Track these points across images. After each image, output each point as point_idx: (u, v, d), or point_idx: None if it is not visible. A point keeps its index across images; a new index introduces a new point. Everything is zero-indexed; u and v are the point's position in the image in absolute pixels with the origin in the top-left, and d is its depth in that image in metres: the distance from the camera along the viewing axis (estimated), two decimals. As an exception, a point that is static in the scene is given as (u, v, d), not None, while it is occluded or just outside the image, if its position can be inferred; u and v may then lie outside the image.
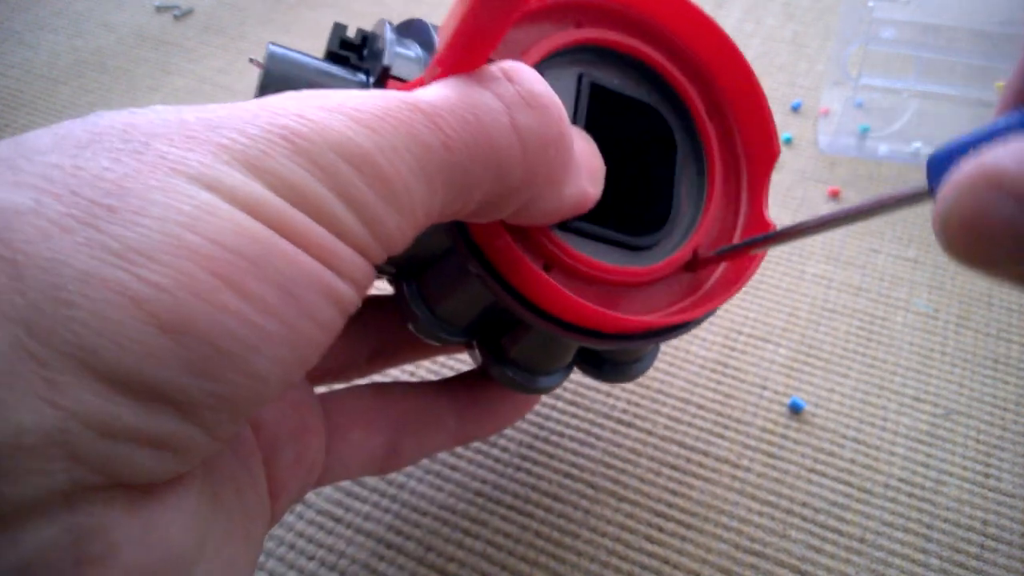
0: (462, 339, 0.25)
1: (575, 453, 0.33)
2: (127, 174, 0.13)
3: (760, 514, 0.31)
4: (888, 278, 0.41)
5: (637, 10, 0.24)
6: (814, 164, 0.48)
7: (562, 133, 0.18)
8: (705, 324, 0.38)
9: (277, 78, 0.20)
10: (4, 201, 0.12)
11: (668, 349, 0.37)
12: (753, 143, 0.26)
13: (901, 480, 0.32)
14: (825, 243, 0.43)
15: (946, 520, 0.31)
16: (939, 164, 0.14)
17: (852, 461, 0.32)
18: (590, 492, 0.31)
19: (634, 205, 0.24)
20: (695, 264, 0.24)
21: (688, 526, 0.30)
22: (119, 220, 0.13)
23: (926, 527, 0.30)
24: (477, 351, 0.26)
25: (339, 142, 0.14)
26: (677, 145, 0.24)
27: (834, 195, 0.46)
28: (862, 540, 0.30)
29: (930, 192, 0.14)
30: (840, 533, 0.30)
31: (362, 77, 0.22)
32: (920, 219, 0.44)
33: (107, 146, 0.14)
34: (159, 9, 0.64)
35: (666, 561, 0.29)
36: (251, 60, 0.22)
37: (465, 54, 0.17)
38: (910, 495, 0.31)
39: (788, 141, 0.50)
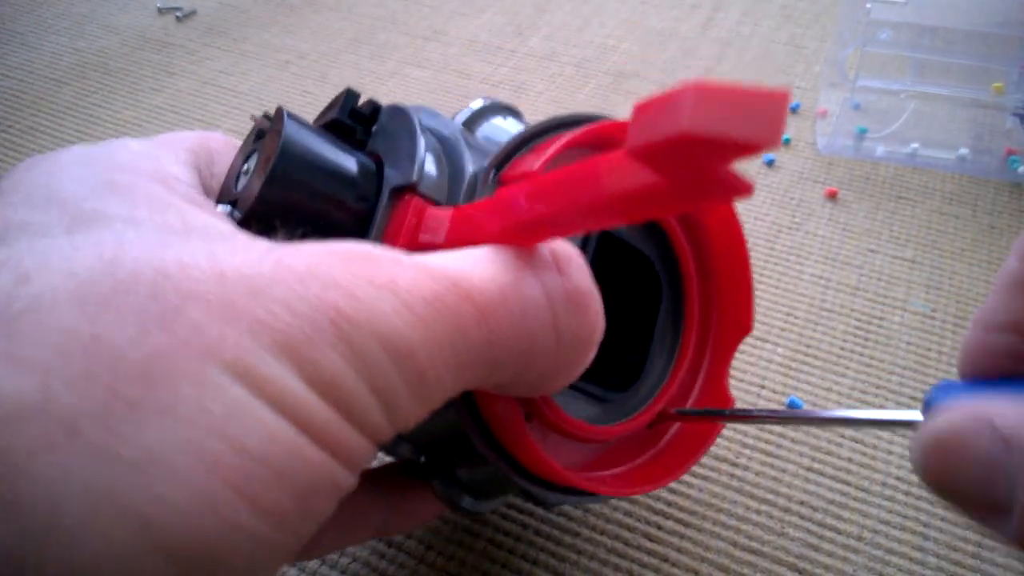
0: (413, 455, 0.25)
1: (575, 452, 0.33)
2: (156, 353, 0.11)
3: (758, 512, 0.31)
4: (885, 278, 0.41)
5: None
6: (811, 165, 0.49)
7: (596, 336, 0.17)
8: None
9: (292, 167, 0.19)
10: (5, 389, 0.11)
11: (667, 349, 0.37)
12: (730, 313, 0.26)
13: (898, 479, 0.32)
14: (823, 243, 0.43)
15: (943, 519, 0.31)
16: (936, 400, 0.15)
17: (849, 460, 0.33)
18: (589, 490, 0.32)
19: (611, 354, 0.23)
20: (657, 420, 0.25)
21: (687, 524, 0.30)
22: (140, 419, 0.11)
23: (923, 525, 0.31)
24: (420, 457, 0.26)
25: (386, 333, 0.13)
26: (662, 300, 0.25)
27: (831, 195, 0.46)
28: (859, 538, 0.30)
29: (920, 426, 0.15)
30: (838, 531, 0.30)
31: (368, 163, 0.21)
32: (918, 220, 0.45)
33: (134, 305, 0.12)
34: (161, 11, 0.64)
35: (665, 559, 0.29)
36: (252, 117, 0.21)
37: (529, 236, 0.16)
38: (907, 493, 0.32)
39: (786, 142, 0.50)
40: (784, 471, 0.32)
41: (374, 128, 0.22)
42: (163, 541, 0.11)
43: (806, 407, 0.35)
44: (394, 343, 0.13)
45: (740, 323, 0.26)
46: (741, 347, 0.37)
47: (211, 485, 0.11)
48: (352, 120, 0.22)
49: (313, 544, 0.24)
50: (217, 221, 0.16)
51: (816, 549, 0.30)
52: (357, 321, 0.13)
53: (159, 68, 0.58)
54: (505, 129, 0.26)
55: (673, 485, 0.32)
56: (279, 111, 0.20)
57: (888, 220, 0.45)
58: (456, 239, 0.18)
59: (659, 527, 0.30)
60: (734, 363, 0.37)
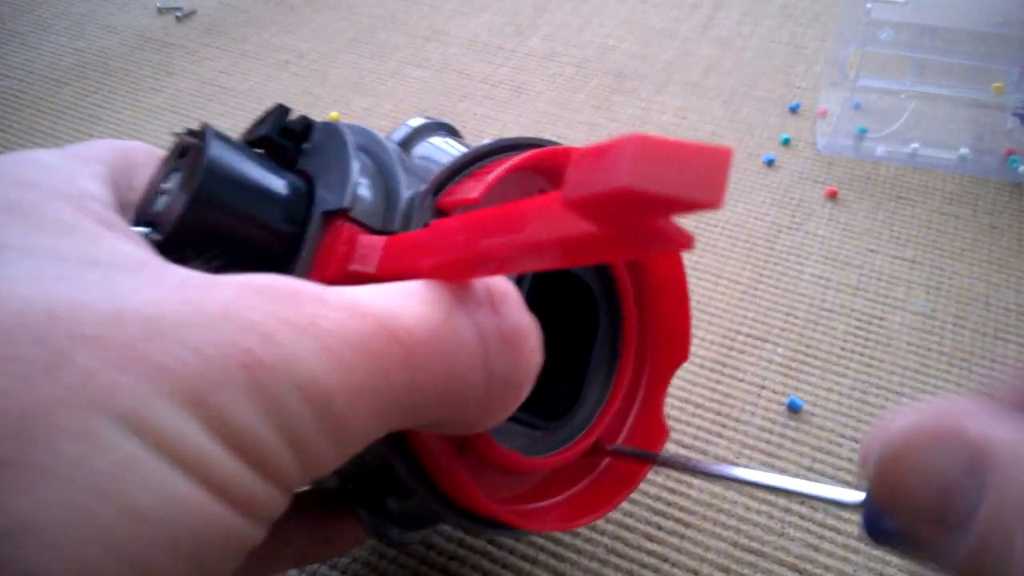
0: (340, 485, 0.24)
1: (575, 452, 0.33)
2: (36, 405, 0.10)
3: (758, 512, 0.31)
4: (886, 278, 0.41)
5: None
6: (812, 165, 0.48)
7: (531, 375, 0.16)
8: (704, 324, 0.38)
9: (216, 188, 0.18)
10: None
11: (667, 349, 0.37)
12: (667, 340, 0.26)
13: (898, 479, 0.32)
14: (823, 243, 0.43)
15: (943, 518, 0.31)
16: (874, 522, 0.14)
17: (850, 460, 0.33)
18: (590, 491, 0.32)
19: (547, 381, 0.23)
20: (591, 452, 0.24)
21: (687, 524, 0.30)
22: (12, 482, 0.10)
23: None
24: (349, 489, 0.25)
25: (304, 380, 0.12)
26: (600, 327, 0.24)
27: (831, 195, 0.46)
28: (860, 538, 0.30)
29: (863, 506, 0.15)
30: (838, 532, 0.30)
31: (298, 183, 0.20)
32: (918, 220, 0.45)
33: (15, 352, 0.10)
34: (161, 11, 0.64)
35: (665, 559, 0.29)
36: (174, 134, 0.20)
37: (464, 273, 0.15)
38: (907, 493, 0.32)
39: (786, 142, 0.50)
40: (784, 471, 0.32)
41: (305, 146, 0.21)
42: None
43: (806, 407, 0.35)
44: (312, 390, 0.12)
45: (677, 351, 0.26)
46: (741, 347, 0.37)
47: (93, 554, 0.10)
48: (282, 137, 0.21)
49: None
50: (130, 247, 0.14)
51: (816, 549, 0.30)
52: (273, 367, 0.12)
53: (159, 68, 0.58)
54: (443, 150, 0.25)
55: (673, 485, 0.32)
56: (204, 128, 0.19)
57: (888, 220, 0.45)
58: (389, 270, 0.17)
59: (659, 527, 0.30)
60: (734, 362, 0.36)
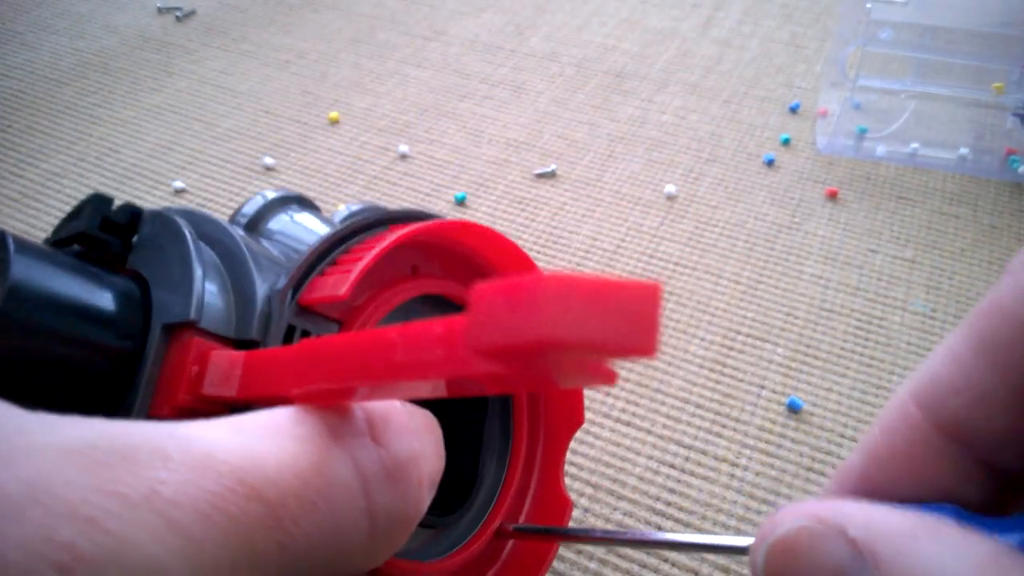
0: None
1: (574, 452, 0.33)
2: None
3: (758, 512, 0.31)
4: (886, 278, 0.41)
5: (473, 252, 0.22)
6: (812, 165, 0.48)
7: (421, 507, 0.14)
8: (704, 324, 0.38)
9: (21, 310, 0.15)
10: None
11: (667, 349, 0.37)
12: (559, 407, 0.25)
13: (898, 479, 0.32)
14: (823, 243, 0.43)
15: (943, 518, 0.31)
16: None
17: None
18: (589, 490, 0.31)
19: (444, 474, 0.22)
20: (494, 537, 0.23)
21: (687, 524, 0.30)
22: None
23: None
24: None
25: (143, 572, 0.10)
26: (488, 407, 0.23)
27: (831, 195, 0.46)
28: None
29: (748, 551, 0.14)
30: (837, 531, 0.30)
31: (130, 288, 0.17)
32: (918, 220, 0.45)
33: None
34: (161, 11, 0.64)
35: (665, 559, 0.29)
36: None
37: (339, 399, 0.13)
38: (907, 493, 0.32)
39: (786, 142, 0.50)
40: (784, 471, 0.32)
41: (135, 239, 0.18)
42: None
43: (806, 407, 0.35)
44: None
45: (571, 417, 0.25)
46: (741, 347, 0.37)
47: None
48: (105, 232, 0.18)
49: None
50: None
51: (816, 549, 0.30)
52: (98, 562, 0.09)
53: (158, 68, 0.58)
54: (301, 224, 0.23)
55: (673, 485, 0.32)
56: (2, 237, 0.16)
57: (888, 220, 0.45)
58: (251, 391, 0.15)
59: (659, 527, 0.30)
60: (734, 362, 0.36)
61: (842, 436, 0.34)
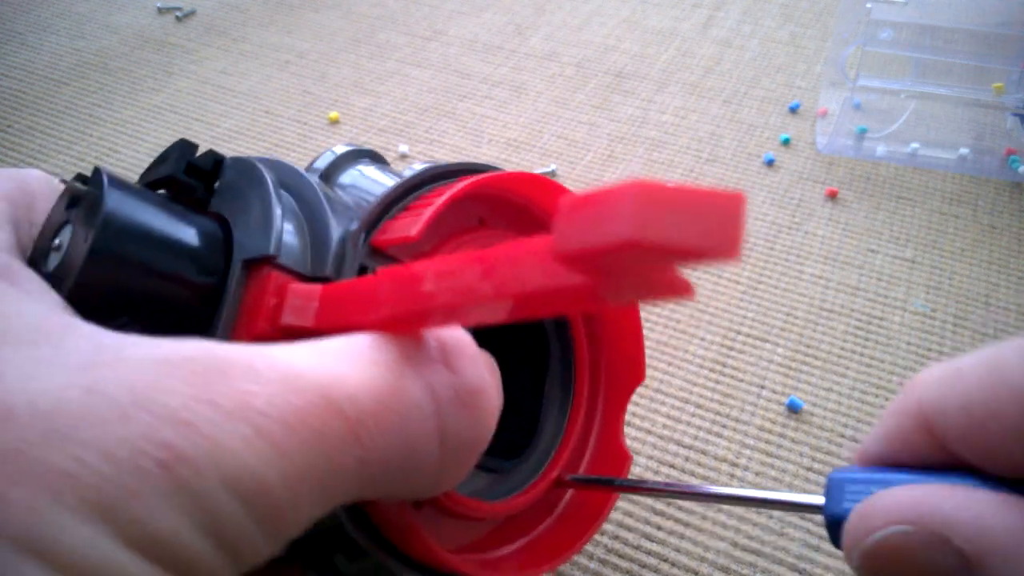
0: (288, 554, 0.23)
1: (574, 452, 0.33)
2: None
3: (758, 512, 0.31)
4: (886, 278, 0.41)
5: (538, 208, 0.22)
6: (812, 164, 0.48)
7: (488, 433, 0.15)
8: (704, 324, 0.38)
9: (116, 242, 0.16)
10: None
11: (666, 349, 0.37)
12: (621, 363, 0.25)
13: (898, 479, 0.32)
14: (823, 243, 0.43)
15: (942, 518, 0.31)
16: (840, 485, 0.14)
17: (850, 460, 0.33)
18: (589, 491, 0.32)
19: (502, 419, 0.23)
20: (553, 487, 0.23)
21: (686, 524, 0.30)
22: None
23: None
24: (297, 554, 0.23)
25: (235, 473, 0.11)
26: (551, 357, 0.23)
27: (831, 195, 0.46)
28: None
29: (822, 509, 0.15)
30: (837, 531, 0.30)
31: (212, 228, 0.18)
32: (918, 220, 0.45)
33: None
34: (161, 11, 0.64)
35: (664, 559, 0.29)
36: (61, 181, 0.17)
37: (415, 325, 0.14)
38: (907, 493, 0.32)
39: (786, 142, 0.50)
40: (784, 471, 0.32)
41: (217, 185, 0.19)
42: None
43: (806, 407, 0.35)
44: (244, 483, 0.11)
45: (632, 372, 0.25)
46: (741, 347, 0.37)
47: None
48: (190, 176, 0.18)
49: None
50: (28, 306, 0.13)
51: (816, 549, 0.30)
52: (196, 462, 0.10)
53: (158, 68, 0.58)
54: (372, 179, 0.23)
55: (673, 485, 0.32)
56: (96, 173, 0.16)
57: (888, 220, 0.45)
58: (328, 323, 0.16)
59: (659, 527, 0.30)
60: (734, 362, 0.36)
61: (842, 436, 0.34)
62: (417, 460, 0.13)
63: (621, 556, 0.29)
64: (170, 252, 0.17)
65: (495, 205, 0.22)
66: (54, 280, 0.16)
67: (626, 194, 0.08)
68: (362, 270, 0.18)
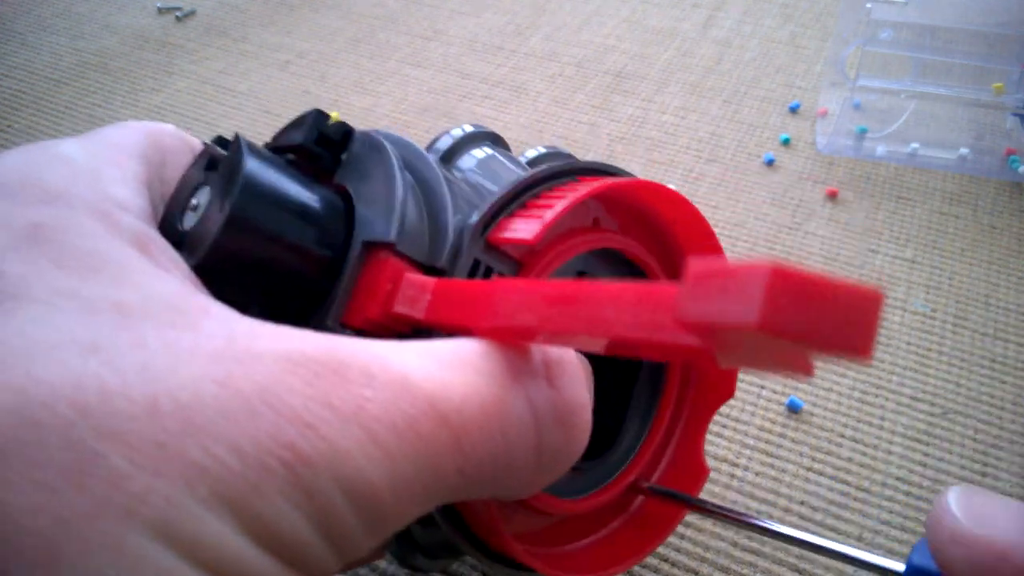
0: None
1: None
2: (63, 519, 0.09)
3: (758, 512, 0.31)
4: (886, 278, 0.41)
5: (657, 216, 0.23)
6: (812, 164, 0.48)
7: (580, 449, 0.15)
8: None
9: (252, 210, 0.16)
10: None
11: (667, 349, 0.37)
12: (712, 376, 0.25)
13: (898, 479, 0.32)
14: (823, 243, 0.43)
15: (943, 518, 0.31)
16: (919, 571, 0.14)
17: (850, 460, 0.33)
18: (589, 491, 0.32)
19: None
20: (628, 491, 0.23)
21: (686, 524, 0.30)
22: None
23: (923, 525, 0.31)
24: None
25: (348, 475, 0.11)
26: (641, 362, 0.23)
27: (831, 195, 0.46)
28: (859, 539, 0.30)
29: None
30: (837, 531, 0.30)
31: (335, 201, 0.18)
32: (918, 220, 0.45)
33: (40, 457, 0.10)
34: (161, 11, 0.64)
35: (664, 559, 0.29)
36: (205, 144, 0.18)
37: (523, 339, 0.14)
38: (907, 494, 0.32)
39: (786, 142, 0.50)
40: (784, 471, 0.32)
41: (344, 156, 0.19)
42: None
43: (806, 407, 0.35)
44: (357, 485, 0.11)
45: (722, 387, 0.24)
46: (741, 347, 0.37)
47: None
48: (319, 146, 0.19)
49: None
50: (163, 283, 0.13)
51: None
52: (315, 463, 0.11)
53: (158, 68, 0.58)
54: (490, 166, 0.23)
55: (673, 485, 0.32)
56: (237, 140, 0.17)
57: (888, 220, 0.45)
58: (437, 317, 0.16)
59: (659, 527, 0.30)
60: (734, 363, 0.36)
61: (842, 436, 0.34)
62: (513, 471, 0.14)
63: (621, 556, 0.29)
64: (300, 223, 0.17)
65: (611, 207, 0.22)
66: (189, 241, 0.16)
67: (759, 275, 0.08)
68: (475, 265, 0.18)
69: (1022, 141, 0.48)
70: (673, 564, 0.29)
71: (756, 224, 0.44)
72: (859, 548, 0.17)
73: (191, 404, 0.11)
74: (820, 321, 0.08)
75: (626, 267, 0.22)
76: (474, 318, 0.15)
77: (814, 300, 0.08)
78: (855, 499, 0.31)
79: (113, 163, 0.15)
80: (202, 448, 0.10)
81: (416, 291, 0.17)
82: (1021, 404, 0.35)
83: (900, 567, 0.15)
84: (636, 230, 0.23)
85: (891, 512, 0.31)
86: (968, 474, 0.32)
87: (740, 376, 0.36)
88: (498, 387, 0.13)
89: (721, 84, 0.56)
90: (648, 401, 0.24)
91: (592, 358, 0.17)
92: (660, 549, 0.29)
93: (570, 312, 0.12)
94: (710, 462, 0.33)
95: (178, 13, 0.63)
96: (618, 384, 0.23)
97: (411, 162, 0.19)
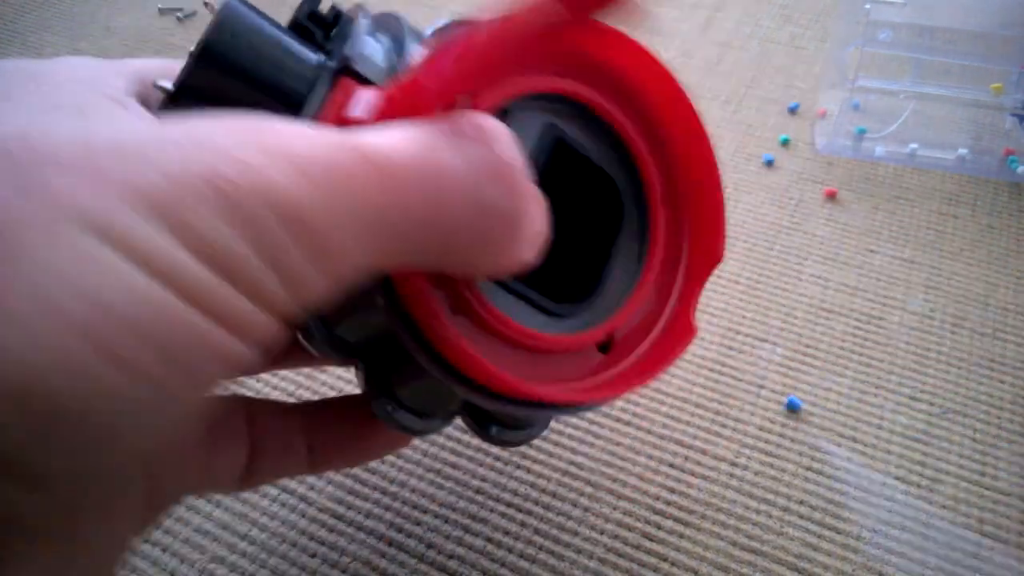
0: (350, 358, 0.24)
1: (574, 451, 0.33)
2: (8, 223, 0.11)
3: (757, 512, 0.31)
4: (885, 278, 0.41)
5: (629, 79, 0.23)
6: (811, 165, 0.49)
7: (524, 211, 0.16)
8: (703, 323, 0.38)
9: (227, 41, 0.18)
10: None
11: (666, 349, 0.37)
12: (700, 241, 0.25)
13: (897, 479, 0.32)
14: (822, 243, 0.43)
15: (942, 518, 0.31)
16: None
17: (849, 460, 0.33)
18: (589, 490, 0.32)
19: (564, 269, 0.22)
20: (609, 347, 0.23)
21: (686, 524, 0.30)
22: None
23: (923, 525, 0.31)
24: (362, 376, 0.24)
25: (274, 197, 0.13)
26: (623, 222, 0.24)
27: (831, 195, 0.46)
28: (859, 538, 0.30)
29: None
30: (837, 531, 0.30)
31: (321, 58, 0.20)
32: (917, 220, 0.45)
33: None
34: (162, 11, 0.64)
35: (664, 559, 0.29)
36: (206, 4, 0.20)
37: (447, 86, 0.16)
38: (906, 493, 0.32)
39: (785, 142, 0.50)
40: (783, 471, 0.32)
41: (333, 34, 0.21)
42: (8, 390, 0.10)
43: (805, 406, 0.35)
44: (284, 207, 0.13)
45: (711, 251, 0.25)
46: (740, 346, 0.37)
47: (56, 333, 0.11)
48: (311, 23, 0.21)
49: (249, 472, 0.23)
50: (130, 116, 0.15)
51: (815, 549, 0.30)
52: (242, 186, 0.12)
53: (159, 68, 0.58)
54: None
55: (673, 485, 0.32)
56: None
57: (888, 220, 0.45)
58: (385, 117, 0.17)
59: (658, 526, 0.30)
60: (734, 362, 0.37)
61: (841, 436, 0.34)
62: (456, 220, 0.15)
63: (621, 555, 0.29)
64: (274, 60, 0.18)
65: (581, 69, 0.22)
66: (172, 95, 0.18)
67: None
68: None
69: (1021, 141, 0.48)
70: (673, 564, 0.29)
71: (755, 224, 0.44)
72: None
73: (125, 142, 0.12)
74: None
75: (604, 132, 0.23)
76: (413, 105, 0.16)
77: None
78: (854, 499, 0.31)
79: (113, 70, 0.18)
80: (131, 169, 0.12)
81: (366, 99, 0.18)
82: (1020, 404, 0.35)
83: None
84: (605, 91, 0.23)
85: (891, 512, 0.31)
86: (967, 473, 0.32)
87: (740, 376, 0.36)
88: (427, 142, 0.15)
89: (720, 85, 0.56)
90: (635, 265, 0.24)
91: (566, 213, 0.18)
92: (660, 549, 0.30)
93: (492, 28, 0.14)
94: (710, 461, 0.33)
95: (179, 14, 0.63)
96: (597, 240, 0.24)
97: (389, 26, 0.21)
